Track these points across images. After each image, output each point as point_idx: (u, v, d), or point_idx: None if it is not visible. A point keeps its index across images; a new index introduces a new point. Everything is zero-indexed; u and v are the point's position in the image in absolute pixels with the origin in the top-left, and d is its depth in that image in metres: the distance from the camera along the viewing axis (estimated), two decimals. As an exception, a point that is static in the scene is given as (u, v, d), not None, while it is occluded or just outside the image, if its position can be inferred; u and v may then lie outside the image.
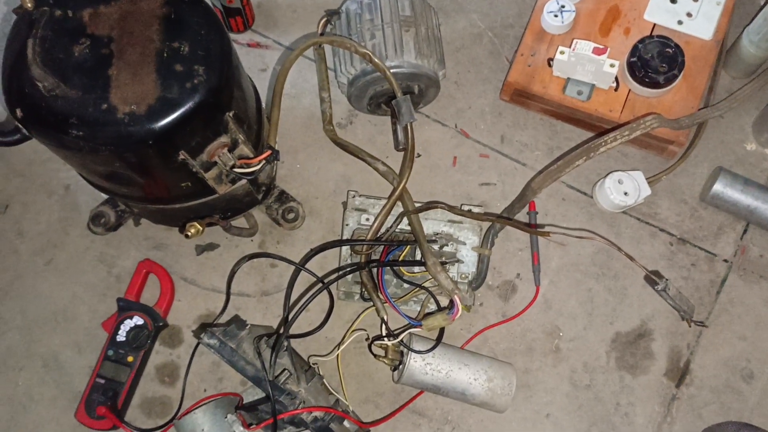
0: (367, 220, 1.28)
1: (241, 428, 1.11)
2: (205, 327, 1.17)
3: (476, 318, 1.30)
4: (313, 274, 1.24)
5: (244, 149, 1.05)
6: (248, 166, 1.05)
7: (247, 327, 1.08)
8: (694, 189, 1.37)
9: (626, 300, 1.31)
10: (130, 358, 1.25)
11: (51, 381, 1.27)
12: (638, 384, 1.27)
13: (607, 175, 1.32)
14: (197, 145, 1.00)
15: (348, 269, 1.18)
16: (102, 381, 1.22)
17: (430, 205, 1.19)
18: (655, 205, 1.36)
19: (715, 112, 1.32)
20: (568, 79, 1.33)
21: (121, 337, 1.25)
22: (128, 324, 1.26)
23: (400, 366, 1.18)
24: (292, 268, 1.28)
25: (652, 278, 1.11)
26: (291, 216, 1.34)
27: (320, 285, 1.13)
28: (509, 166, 1.39)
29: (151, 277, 1.33)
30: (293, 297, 1.26)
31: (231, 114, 1.00)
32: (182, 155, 0.98)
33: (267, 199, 1.33)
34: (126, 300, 1.28)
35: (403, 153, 1.29)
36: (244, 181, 1.16)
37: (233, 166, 1.04)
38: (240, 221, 1.33)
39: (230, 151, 1.04)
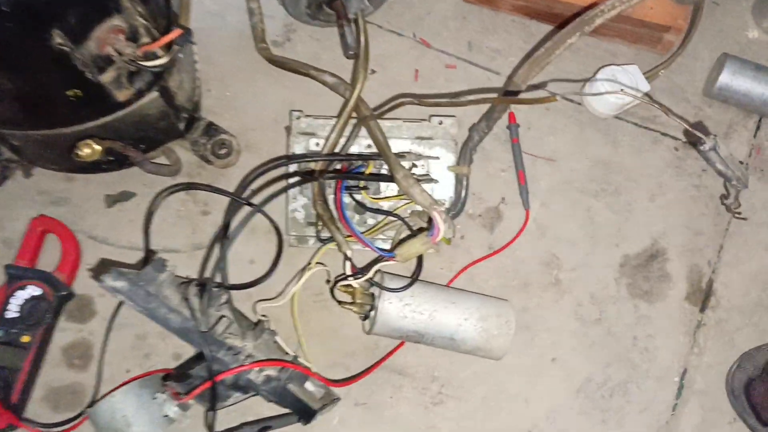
0: (318, 145, 1.04)
1: (175, 408, 0.86)
2: (108, 266, 0.88)
3: (458, 253, 1.08)
4: (249, 203, 0.98)
5: (145, 35, 0.80)
6: (154, 56, 0.80)
7: (169, 269, 0.83)
8: (696, 85, 1.18)
9: (632, 218, 1.11)
10: (25, 339, 0.97)
11: (-77, 377, 0.99)
12: (656, 312, 1.07)
13: (598, 70, 1.11)
14: (79, 26, 0.74)
15: (294, 183, 0.92)
16: (-10, 370, 0.95)
17: (393, 104, 0.95)
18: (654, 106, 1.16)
19: (713, -9, 1.13)
20: (542, -37, 1.12)
21: (13, 312, 0.98)
22: (21, 296, 0.99)
23: (372, 311, 0.94)
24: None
25: (696, 134, 0.83)
26: (223, 151, 1.08)
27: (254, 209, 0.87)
28: (481, 77, 1.17)
29: (50, 238, 1.06)
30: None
31: (122, -20, 0.75)
32: (58, 38, 0.72)
33: (191, 133, 1.08)
34: (17, 267, 1.01)
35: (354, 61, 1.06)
36: (154, 95, 0.91)
37: (135, 59, 0.78)
38: (161, 160, 1.08)
39: (129, 39, 0.79)
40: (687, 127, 0.78)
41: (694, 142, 0.96)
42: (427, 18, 1.21)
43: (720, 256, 1.09)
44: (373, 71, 1.16)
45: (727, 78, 1.11)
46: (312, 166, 1.00)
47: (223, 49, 1.17)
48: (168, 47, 0.81)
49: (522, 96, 0.94)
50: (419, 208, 1.02)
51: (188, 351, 0.99)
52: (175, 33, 0.77)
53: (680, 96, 1.17)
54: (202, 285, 0.83)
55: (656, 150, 1.14)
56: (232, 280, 0.99)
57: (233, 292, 0.97)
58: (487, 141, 1.10)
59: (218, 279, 0.94)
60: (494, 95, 1.11)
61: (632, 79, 1.10)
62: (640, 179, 1.12)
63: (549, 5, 1.15)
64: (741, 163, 1.12)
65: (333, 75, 1.07)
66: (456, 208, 1.05)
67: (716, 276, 1.08)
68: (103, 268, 1.00)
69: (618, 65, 1.11)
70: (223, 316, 0.81)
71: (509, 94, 0.96)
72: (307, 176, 0.96)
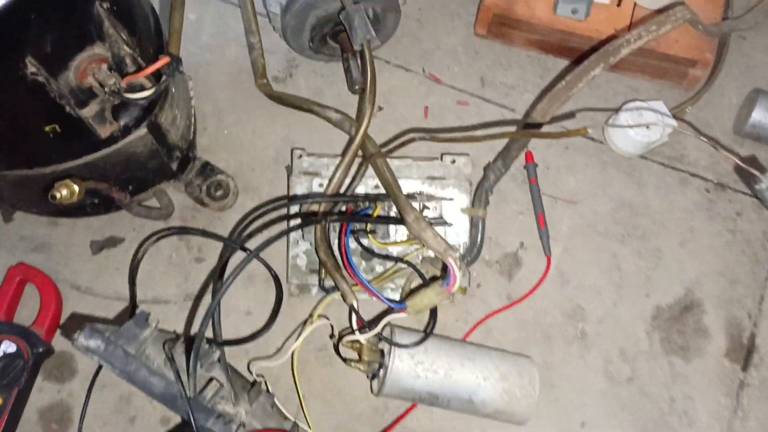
0: (321, 185, 0.96)
1: (159, 483, 0.76)
2: (81, 321, 0.78)
3: (474, 303, 0.99)
4: (244, 248, 0.90)
5: (132, 66, 0.73)
6: (141, 88, 0.72)
7: (153, 325, 0.74)
8: (725, 123, 1.10)
9: (662, 264, 1.02)
10: (-3, 400, 0.88)
11: None
12: (694, 370, 0.97)
13: (622, 106, 1.04)
14: (56, 54, 0.67)
15: (295, 226, 0.84)
16: (-46, 436, 0.85)
17: (403, 140, 0.87)
18: (681, 145, 1.08)
19: (742, 24, 1.07)
20: (559, -6, 1.06)
21: (-16, 370, 0.89)
22: (-6, 352, 0.89)
23: (381, 370, 0.85)
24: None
25: (749, 171, 0.72)
26: (219, 193, 1.01)
27: (249, 254, 0.78)
28: (495, 113, 1.10)
29: (29, 288, 0.97)
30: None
31: (105, 5, 0.68)
32: (31, 67, 0.65)
33: (186, 174, 1.00)
34: (-9, 319, 0.92)
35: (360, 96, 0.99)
36: (143, 132, 0.84)
37: (117, 90, 0.71)
38: (152, 203, 1.00)
39: (112, 70, 0.72)
40: (738, 162, 0.70)
41: (747, 177, 0.86)
42: (437, 53, 1.14)
43: (761, 308, 0.99)
44: (380, 108, 1.09)
45: (760, 115, 1.03)
46: (315, 208, 0.92)
47: (221, 85, 1.11)
48: (156, 78, 0.74)
49: (544, 129, 0.86)
50: (431, 254, 0.94)
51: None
52: (162, 61, 0.70)
53: (709, 134, 1.09)
54: (191, 341, 0.74)
55: (685, 191, 1.06)
56: (227, 333, 0.90)
57: (227, 349, 0.88)
58: (503, 182, 1.02)
59: (210, 333, 0.85)
60: (513, 129, 1.03)
61: (658, 116, 1.02)
62: (668, 223, 1.04)
63: (565, 39, 1.08)
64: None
65: (337, 111, 1.00)
66: (471, 255, 0.97)
67: (758, 330, 0.98)
68: (76, 323, 0.91)
69: (642, 101, 1.03)
70: (212, 379, 0.71)
71: (529, 127, 0.88)
72: (309, 219, 0.87)
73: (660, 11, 1.04)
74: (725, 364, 0.97)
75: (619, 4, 1.06)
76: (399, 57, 1.14)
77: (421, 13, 1.17)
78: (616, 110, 1.05)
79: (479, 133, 1.05)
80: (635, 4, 1.06)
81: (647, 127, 1.01)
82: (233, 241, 0.87)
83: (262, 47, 1.09)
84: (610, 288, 1.00)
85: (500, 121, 1.08)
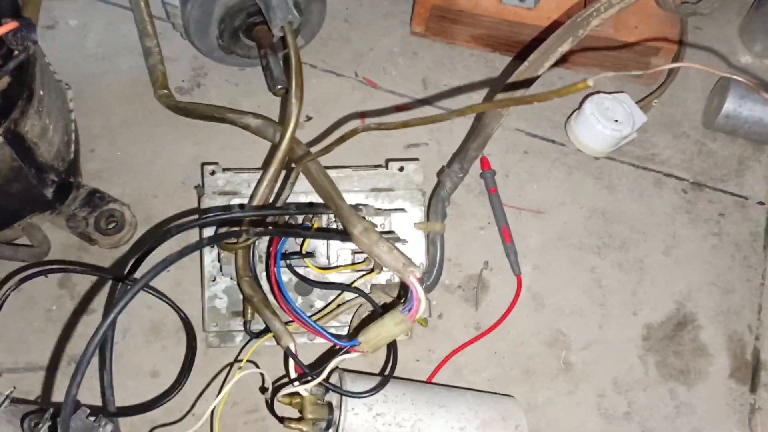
0: (242, 207, 0.78)
1: None
2: None
3: (437, 337, 0.82)
4: (120, 279, 0.69)
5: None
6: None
7: (5, 395, 0.52)
8: (693, 117, 1.00)
9: (647, 277, 0.88)
10: None
11: None
12: (698, 397, 0.83)
13: (584, 100, 0.92)
14: None
15: (208, 238, 0.64)
16: None
17: (343, 135, 0.69)
18: (650, 144, 0.97)
19: (704, 8, 0.97)
20: (503, -17, 0.94)
21: None
22: None
23: (330, 429, 0.65)
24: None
25: None
26: (111, 226, 0.81)
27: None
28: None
29: None
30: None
31: None
32: None
33: (67, 204, 0.80)
34: None
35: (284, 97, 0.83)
36: (-2, 140, 0.64)
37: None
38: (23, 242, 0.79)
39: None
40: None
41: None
42: (371, 55, 1.00)
43: (761, 319, 0.87)
44: (309, 118, 0.93)
45: (733, 104, 0.93)
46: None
47: (112, 100, 0.93)
48: (5, 56, 0.55)
49: (528, 94, 0.69)
50: (383, 280, 0.76)
51: None
52: (6, 26, 0.51)
53: (678, 130, 0.98)
54: (56, 408, 0.52)
55: (661, 193, 0.94)
56: (128, 400, 0.69)
57: (126, 420, 0.67)
58: (458, 193, 0.87)
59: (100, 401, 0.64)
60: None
61: (626, 110, 0.91)
62: (648, 229, 0.91)
63: (514, 31, 0.96)
64: (762, 204, 0.93)
65: (257, 116, 0.83)
66: (430, 278, 0.80)
67: (762, 343, 0.86)
68: None
69: (607, 93, 0.92)
70: (93, 467, 0.50)
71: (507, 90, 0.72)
72: (226, 236, 0.68)
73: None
74: (732, 386, 0.83)
75: (570, -10, 0.95)
76: (327, 61, 0.98)
77: (349, 11, 1.03)
78: (580, 104, 0.92)
79: (441, 112, 0.89)
80: (587, -11, 0.95)
81: (616, 121, 0.89)
82: (109, 272, 0.66)
83: (161, 52, 0.92)
84: (593, 308, 0.86)
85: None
